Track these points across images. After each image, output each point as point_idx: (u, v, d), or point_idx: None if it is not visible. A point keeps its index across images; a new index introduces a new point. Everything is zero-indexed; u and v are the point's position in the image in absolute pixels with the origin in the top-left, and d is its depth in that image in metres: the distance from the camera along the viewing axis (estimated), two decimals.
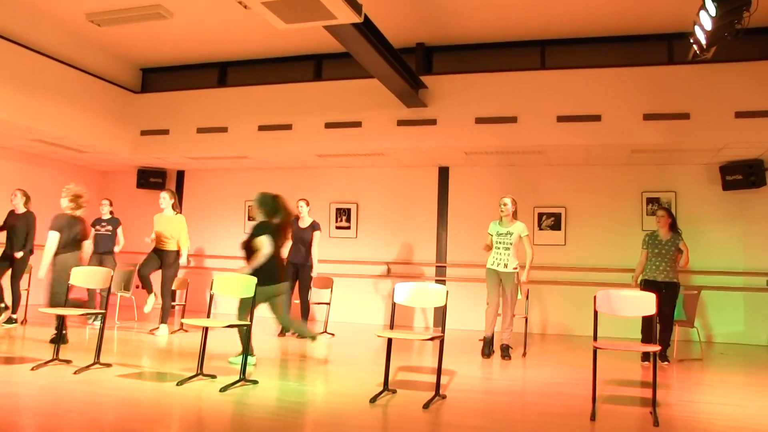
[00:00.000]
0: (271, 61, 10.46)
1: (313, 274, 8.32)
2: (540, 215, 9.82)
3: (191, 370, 5.17)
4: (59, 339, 5.78)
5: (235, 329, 5.67)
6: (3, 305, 7.69)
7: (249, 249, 5.93)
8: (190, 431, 3.94)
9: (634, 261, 7.19)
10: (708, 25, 6.01)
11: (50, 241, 6.41)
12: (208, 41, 9.80)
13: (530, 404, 4.89)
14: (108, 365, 5.46)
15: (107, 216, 8.91)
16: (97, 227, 8.85)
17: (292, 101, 9.70)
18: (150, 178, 11.62)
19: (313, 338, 6.22)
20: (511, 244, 6.84)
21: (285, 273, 6.09)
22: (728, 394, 5.37)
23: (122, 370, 5.41)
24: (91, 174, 12.09)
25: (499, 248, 6.89)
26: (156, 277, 7.92)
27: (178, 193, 11.47)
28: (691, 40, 6.64)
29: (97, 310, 6.43)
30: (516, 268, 6.89)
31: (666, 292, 6.66)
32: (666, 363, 6.70)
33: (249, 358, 5.46)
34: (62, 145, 10.05)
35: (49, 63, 9.07)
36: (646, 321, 6.71)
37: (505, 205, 6.90)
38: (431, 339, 4.89)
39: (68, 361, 5.48)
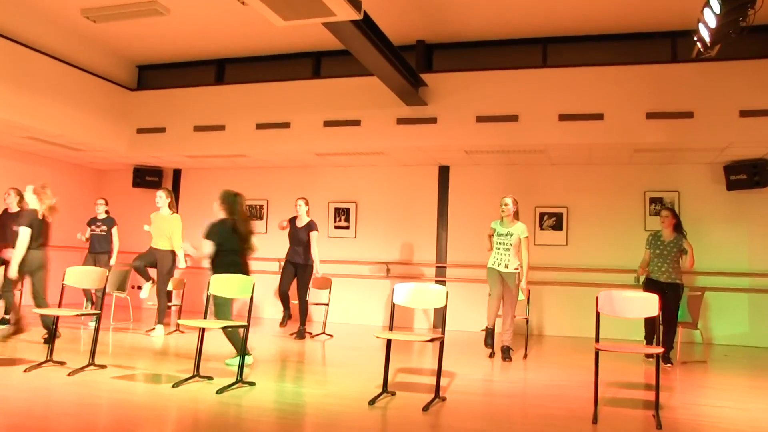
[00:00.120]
0: (269, 58, 10.45)
1: (317, 274, 8.30)
2: (541, 215, 9.81)
3: (187, 372, 5.17)
4: (52, 338, 5.77)
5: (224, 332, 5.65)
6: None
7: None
8: None
9: (637, 262, 7.19)
10: (712, 22, 6.00)
11: (23, 237, 6.41)
12: (205, 38, 9.79)
13: (531, 407, 4.88)
14: (103, 367, 5.45)
15: (102, 216, 8.90)
16: (92, 227, 8.83)
17: (291, 99, 9.70)
18: (146, 177, 11.61)
19: (239, 355, 5.57)
20: (511, 244, 6.83)
21: (247, 270, 6.05)
22: (732, 397, 5.36)
23: (117, 371, 5.39)
24: (87, 172, 12.08)
25: (499, 248, 6.89)
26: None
27: (175, 192, 11.46)
28: (695, 38, 6.63)
29: (92, 311, 6.42)
30: (517, 269, 6.88)
31: (668, 293, 6.66)
32: (669, 365, 6.69)
33: (246, 357, 5.45)
34: (57, 143, 10.04)
35: (44, 59, 9.06)
36: (649, 322, 6.71)
37: (506, 205, 6.89)
38: (431, 340, 4.88)
39: (62, 363, 5.47)
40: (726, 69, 8.02)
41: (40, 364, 5.37)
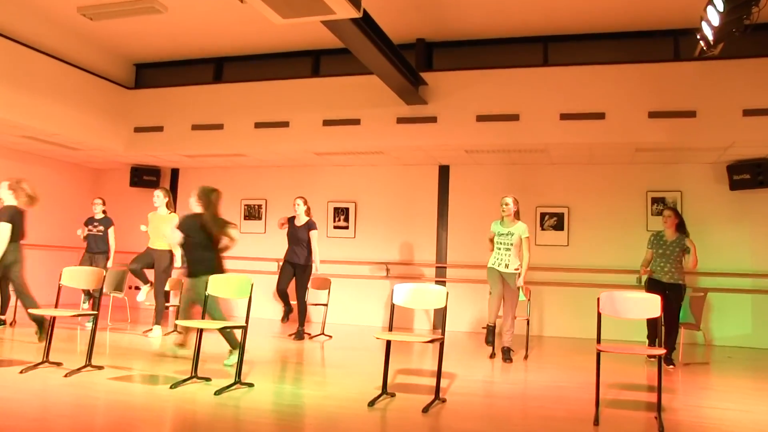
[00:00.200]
0: (267, 56, 10.45)
1: (316, 271, 8.30)
2: (542, 215, 9.81)
3: (185, 373, 5.17)
4: (45, 331, 5.80)
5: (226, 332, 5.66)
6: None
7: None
8: None
9: (639, 262, 7.18)
10: (715, 20, 6.00)
11: (3, 233, 6.42)
12: (203, 36, 9.79)
13: (532, 408, 4.88)
14: (100, 368, 5.44)
15: (100, 215, 8.89)
16: (89, 227, 8.82)
17: (290, 98, 9.69)
18: (144, 176, 11.61)
19: (236, 349, 5.88)
20: (511, 244, 6.83)
21: (222, 266, 6.12)
22: (735, 399, 5.36)
23: (114, 372, 5.39)
24: (84, 172, 12.08)
25: (500, 248, 6.89)
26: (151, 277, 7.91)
27: (173, 191, 11.45)
28: (698, 36, 6.64)
29: (89, 312, 6.41)
30: (517, 269, 6.88)
31: (670, 293, 6.65)
32: (671, 366, 6.69)
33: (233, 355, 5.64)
34: (53, 143, 10.03)
35: (40, 58, 9.05)
36: (651, 323, 6.70)
37: (506, 204, 6.89)
38: (431, 341, 4.88)
39: (59, 364, 5.46)
40: (729, 68, 8.02)
41: (36, 365, 5.36)
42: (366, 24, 6.71)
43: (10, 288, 8.05)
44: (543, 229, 9.78)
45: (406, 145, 9.17)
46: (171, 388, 4.82)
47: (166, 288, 8.18)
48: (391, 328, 5.08)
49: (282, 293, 8.15)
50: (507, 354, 6.83)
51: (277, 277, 8.37)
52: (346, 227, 10.72)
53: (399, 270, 10.30)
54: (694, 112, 8.08)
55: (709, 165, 9.26)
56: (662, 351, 4.56)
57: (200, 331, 5.19)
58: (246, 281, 5.33)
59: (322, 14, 5.91)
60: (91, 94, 9.95)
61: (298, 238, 8.25)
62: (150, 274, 8.10)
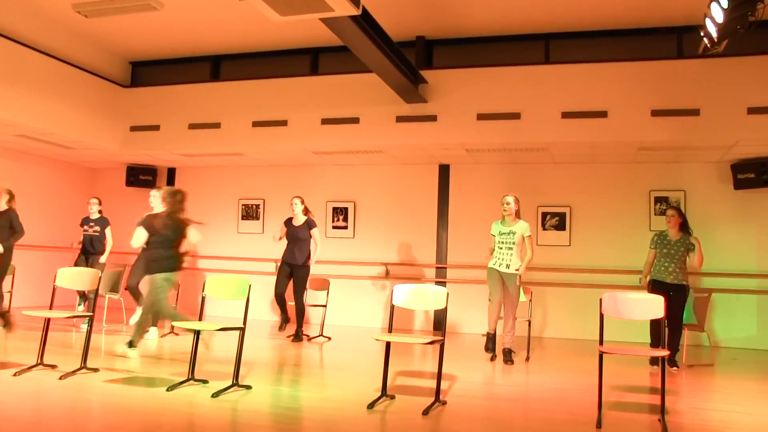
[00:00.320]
0: (265, 54, 10.44)
1: (311, 262, 8.31)
2: (544, 215, 9.81)
3: (182, 375, 5.16)
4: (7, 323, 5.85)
5: (228, 332, 5.65)
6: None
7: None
8: None
9: (642, 262, 7.19)
10: (719, 17, 5.99)
11: None
12: (200, 34, 9.78)
13: (533, 411, 4.88)
14: (95, 370, 5.44)
15: (96, 215, 8.88)
16: (85, 227, 8.82)
17: (288, 96, 9.69)
18: (140, 176, 11.60)
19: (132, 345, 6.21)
20: (513, 243, 6.84)
21: (178, 263, 6.29)
22: (740, 401, 5.36)
23: (110, 375, 5.38)
24: (79, 171, 12.07)
25: (501, 248, 6.89)
26: None
27: None
28: (702, 34, 6.63)
29: (84, 313, 6.40)
30: (518, 270, 6.88)
31: (674, 294, 6.64)
32: (675, 368, 6.69)
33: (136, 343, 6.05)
34: (48, 141, 10.02)
35: (34, 55, 9.04)
36: (655, 325, 6.70)
37: (507, 203, 6.91)
38: (431, 343, 4.87)
39: (53, 366, 5.45)
40: (733, 65, 8.02)
41: (30, 368, 5.36)
42: (365, 21, 6.71)
43: (4, 289, 8.08)
44: (544, 229, 9.78)
45: (406, 144, 9.17)
46: (167, 390, 4.82)
47: None
48: (390, 330, 5.08)
49: (280, 298, 8.17)
50: (508, 356, 6.83)
51: (274, 277, 8.38)
52: (345, 227, 10.71)
53: (398, 270, 10.30)
54: (698, 110, 8.07)
55: (713, 164, 9.26)
56: (666, 352, 4.56)
57: (197, 332, 5.19)
58: (244, 282, 5.32)
59: (321, 12, 5.91)
60: (87, 93, 9.94)
61: (298, 237, 8.25)
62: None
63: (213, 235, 11.37)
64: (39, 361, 5.46)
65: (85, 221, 8.88)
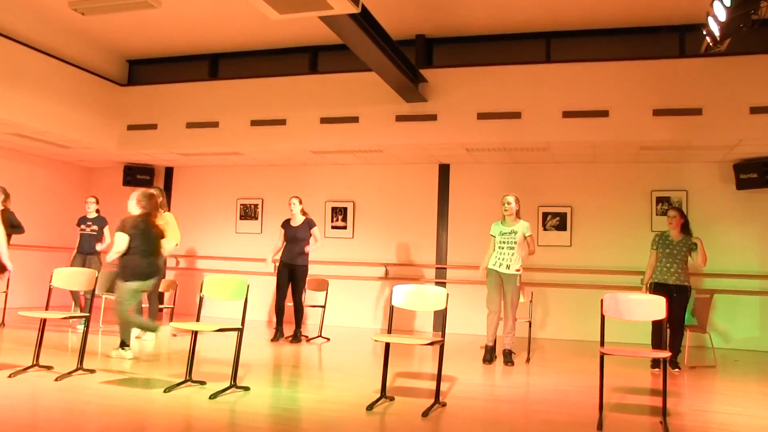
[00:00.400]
0: (264, 53, 10.44)
1: (308, 250, 8.31)
2: (545, 215, 9.81)
3: (179, 377, 5.15)
4: None
5: (225, 332, 5.65)
6: None
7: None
8: None
9: (643, 263, 7.17)
10: (722, 15, 5.99)
11: None
12: (198, 32, 9.78)
13: (534, 412, 4.88)
14: (92, 371, 5.43)
15: (93, 215, 8.88)
16: (82, 227, 8.81)
17: (287, 95, 9.68)
18: (137, 175, 11.59)
19: (154, 329, 6.45)
20: (515, 243, 6.85)
21: (156, 268, 6.46)
22: (743, 404, 5.35)
23: (107, 376, 5.38)
24: (75, 171, 12.06)
25: (502, 248, 6.89)
26: None
27: (167, 190, 11.44)
28: (704, 32, 6.62)
29: (81, 314, 6.40)
30: (519, 270, 6.88)
31: (677, 295, 6.64)
32: (677, 370, 6.69)
33: (125, 351, 6.20)
34: (44, 140, 10.01)
35: (30, 53, 9.03)
36: (656, 326, 6.69)
37: (508, 203, 6.91)
38: (431, 344, 4.87)
39: (49, 367, 5.45)
40: (736, 64, 8.02)
41: (25, 369, 5.35)
42: (364, 20, 6.70)
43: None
44: (545, 230, 9.77)
45: (406, 143, 9.16)
46: (165, 392, 4.81)
47: (160, 289, 8.17)
48: (390, 331, 5.08)
49: (280, 309, 8.20)
50: (508, 357, 6.83)
51: (271, 278, 8.39)
52: (344, 227, 10.71)
53: (398, 271, 10.30)
54: (700, 109, 8.07)
55: (715, 164, 9.26)
56: (667, 354, 4.56)
57: (195, 333, 5.18)
58: (242, 282, 5.32)
59: (320, 10, 5.91)
60: (83, 91, 9.93)
61: (297, 237, 8.26)
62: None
63: (211, 235, 11.38)
64: (35, 362, 5.46)
65: (82, 221, 8.87)
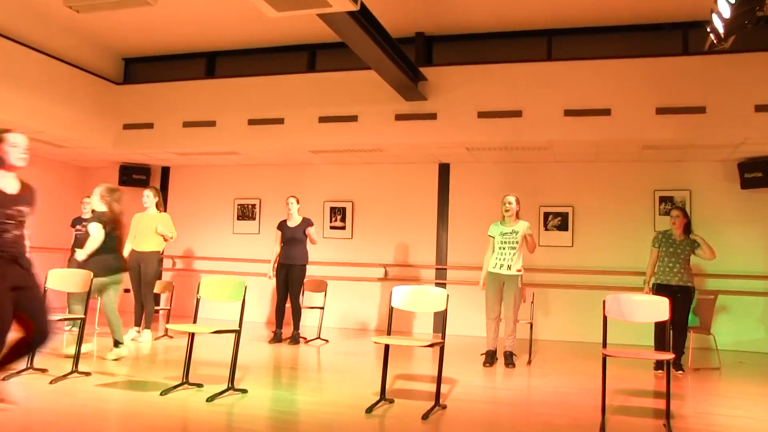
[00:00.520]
0: (261, 51, 10.43)
1: (309, 230, 8.31)
2: (546, 215, 9.81)
3: (176, 379, 5.15)
4: None
5: (223, 334, 5.65)
6: None
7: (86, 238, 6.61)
8: None
9: (646, 264, 7.17)
10: (726, 12, 5.98)
11: None
12: (195, 29, 9.78)
13: (535, 415, 4.88)
14: (87, 374, 5.43)
15: (89, 215, 8.85)
16: (78, 227, 8.80)
17: (284, 94, 9.68)
18: (133, 175, 11.58)
19: (118, 344, 6.45)
20: (516, 242, 6.85)
21: (124, 263, 6.69)
22: (747, 406, 5.35)
23: (102, 379, 5.38)
24: (70, 170, 12.05)
25: (503, 248, 6.89)
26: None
27: (163, 190, 11.45)
28: (708, 29, 6.62)
29: (76, 316, 6.40)
30: (520, 271, 6.88)
31: (680, 296, 6.63)
32: (680, 372, 6.68)
33: (121, 348, 6.33)
34: (38, 140, 9.99)
35: (24, 51, 9.01)
36: (659, 327, 6.69)
37: (509, 203, 6.92)
38: (431, 345, 4.87)
39: (44, 370, 5.44)
40: (740, 62, 8.01)
41: (19, 372, 5.33)
42: (363, 17, 6.70)
43: None
44: (547, 230, 9.77)
45: (405, 142, 9.16)
46: (161, 394, 4.81)
47: (156, 290, 8.16)
48: (389, 332, 5.07)
49: (280, 310, 8.20)
50: (509, 359, 6.83)
51: (272, 281, 8.41)
52: (343, 228, 10.70)
53: (397, 272, 10.29)
54: (704, 107, 8.07)
55: (719, 163, 9.26)
56: (671, 356, 4.56)
57: (192, 335, 5.18)
58: (239, 284, 5.31)
59: (318, 7, 5.91)
60: (78, 90, 9.92)
61: (295, 238, 8.26)
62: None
63: (208, 235, 11.37)
64: (29, 365, 5.45)
65: (77, 221, 8.86)
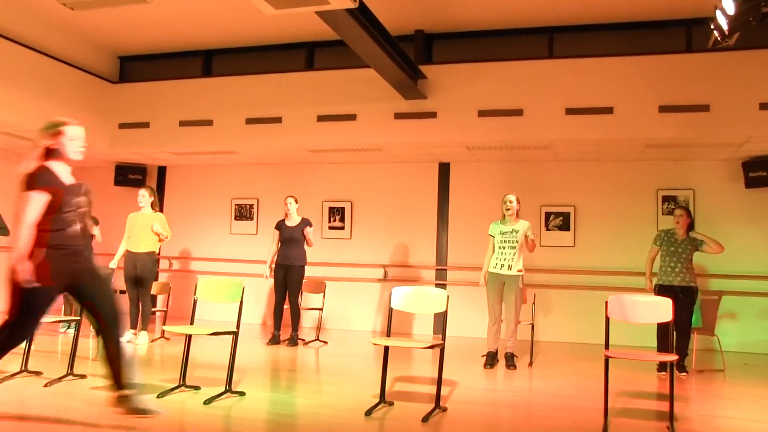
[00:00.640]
0: (259, 49, 10.43)
1: (307, 230, 8.29)
2: (547, 214, 9.81)
3: (173, 381, 5.15)
4: None
5: (220, 336, 5.64)
6: None
7: None
8: None
9: None
10: (731, 9, 5.98)
11: None
12: (191, 27, 9.77)
13: (537, 417, 4.88)
14: (82, 377, 5.43)
15: None
16: None
17: (282, 92, 9.67)
18: (129, 175, 11.58)
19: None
20: (517, 242, 6.85)
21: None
22: (752, 409, 5.36)
23: (98, 381, 5.37)
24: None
25: (504, 248, 6.89)
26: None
27: (160, 190, 11.45)
28: (712, 26, 6.61)
29: (71, 317, 6.39)
30: (521, 271, 6.89)
31: (683, 297, 6.63)
32: (684, 374, 6.69)
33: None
34: (32, 139, 9.98)
35: (18, 49, 9.00)
36: (662, 328, 6.69)
37: (510, 202, 6.93)
38: (431, 347, 4.87)
39: (38, 373, 5.43)
40: (745, 59, 8.01)
41: (13, 375, 5.33)
42: (362, 14, 6.70)
43: None
44: (548, 230, 9.77)
45: (405, 141, 9.16)
46: (158, 397, 4.80)
47: (152, 292, 8.16)
48: (389, 334, 5.07)
49: (279, 310, 8.19)
50: (510, 360, 6.83)
51: (271, 282, 8.40)
52: (342, 228, 10.70)
53: (397, 272, 10.29)
54: (708, 106, 8.07)
55: (723, 162, 9.26)
56: (674, 357, 4.56)
57: (188, 337, 5.18)
58: (237, 285, 5.31)
59: (317, 5, 5.91)
60: (73, 89, 9.91)
61: (293, 238, 8.25)
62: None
63: (205, 236, 11.37)
64: (23, 367, 5.45)
65: None
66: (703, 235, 6.82)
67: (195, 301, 5.44)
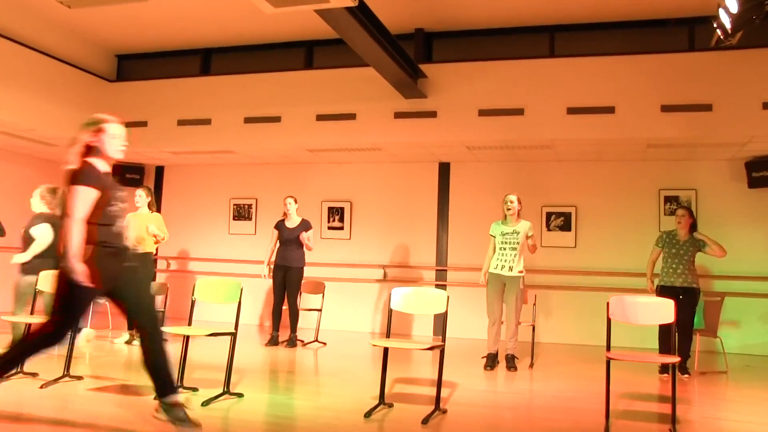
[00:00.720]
0: (258, 47, 10.43)
1: (309, 241, 8.28)
2: (548, 215, 9.81)
3: None
4: None
5: (218, 337, 5.63)
6: None
7: (29, 239, 6.39)
8: None
9: None
10: (734, 7, 5.98)
11: None
12: (189, 25, 9.77)
13: (538, 419, 4.87)
14: (79, 378, 5.42)
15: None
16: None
17: (281, 91, 9.68)
18: (126, 174, 11.56)
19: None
20: (518, 243, 6.85)
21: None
22: (755, 411, 5.35)
23: (95, 383, 5.37)
24: (61, 169, 12.01)
25: (504, 248, 6.89)
26: None
27: (157, 190, 11.44)
28: (715, 25, 6.61)
29: None
30: (522, 272, 6.89)
31: (684, 298, 6.63)
32: (686, 376, 6.69)
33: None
34: (29, 138, 9.99)
35: (15, 48, 9.00)
36: (664, 330, 6.69)
37: (511, 202, 6.93)
38: (431, 348, 4.87)
39: (34, 374, 5.43)
40: (748, 58, 8.01)
41: (9, 377, 5.32)
42: (362, 13, 6.70)
43: None
44: (549, 230, 9.77)
45: (405, 141, 9.16)
46: (155, 399, 4.79)
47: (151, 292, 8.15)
48: (388, 335, 5.07)
49: (278, 311, 8.19)
50: (511, 362, 6.83)
51: (269, 283, 8.39)
52: (341, 228, 10.70)
53: (397, 273, 10.29)
54: (710, 105, 8.07)
55: (725, 161, 9.26)
56: (676, 359, 4.55)
57: (186, 338, 5.17)
58: (235, 285, 5.31)
59: (316, 3, 5.92)
60: (70, 87, 9.90)
61: (292, 239, 8.23)
62: None
63: (203, 236, 11.37)
64: (19, 369, 5.43)
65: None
66: (706, 237, 6.83)
67: (193, 302, 5.44)
